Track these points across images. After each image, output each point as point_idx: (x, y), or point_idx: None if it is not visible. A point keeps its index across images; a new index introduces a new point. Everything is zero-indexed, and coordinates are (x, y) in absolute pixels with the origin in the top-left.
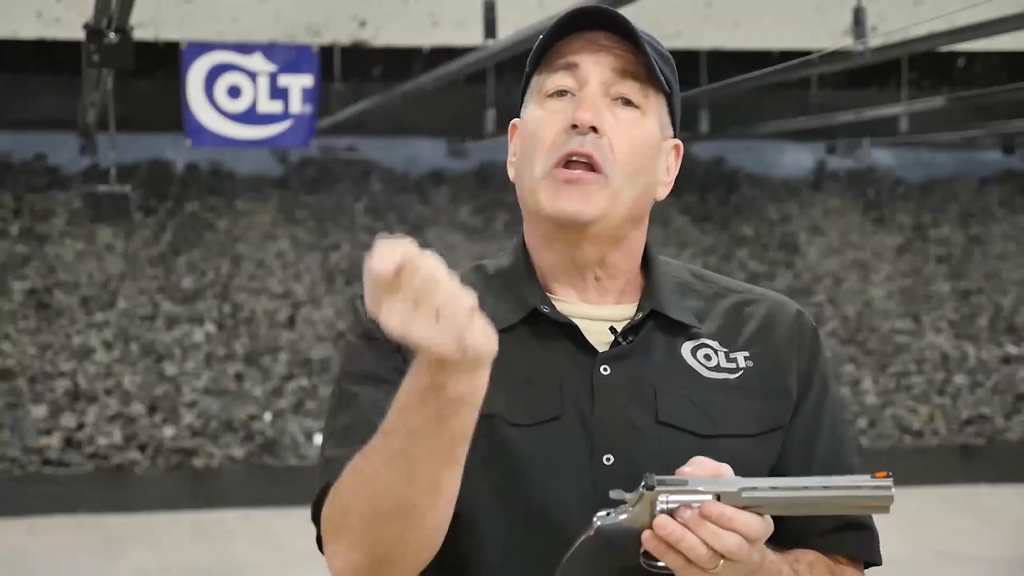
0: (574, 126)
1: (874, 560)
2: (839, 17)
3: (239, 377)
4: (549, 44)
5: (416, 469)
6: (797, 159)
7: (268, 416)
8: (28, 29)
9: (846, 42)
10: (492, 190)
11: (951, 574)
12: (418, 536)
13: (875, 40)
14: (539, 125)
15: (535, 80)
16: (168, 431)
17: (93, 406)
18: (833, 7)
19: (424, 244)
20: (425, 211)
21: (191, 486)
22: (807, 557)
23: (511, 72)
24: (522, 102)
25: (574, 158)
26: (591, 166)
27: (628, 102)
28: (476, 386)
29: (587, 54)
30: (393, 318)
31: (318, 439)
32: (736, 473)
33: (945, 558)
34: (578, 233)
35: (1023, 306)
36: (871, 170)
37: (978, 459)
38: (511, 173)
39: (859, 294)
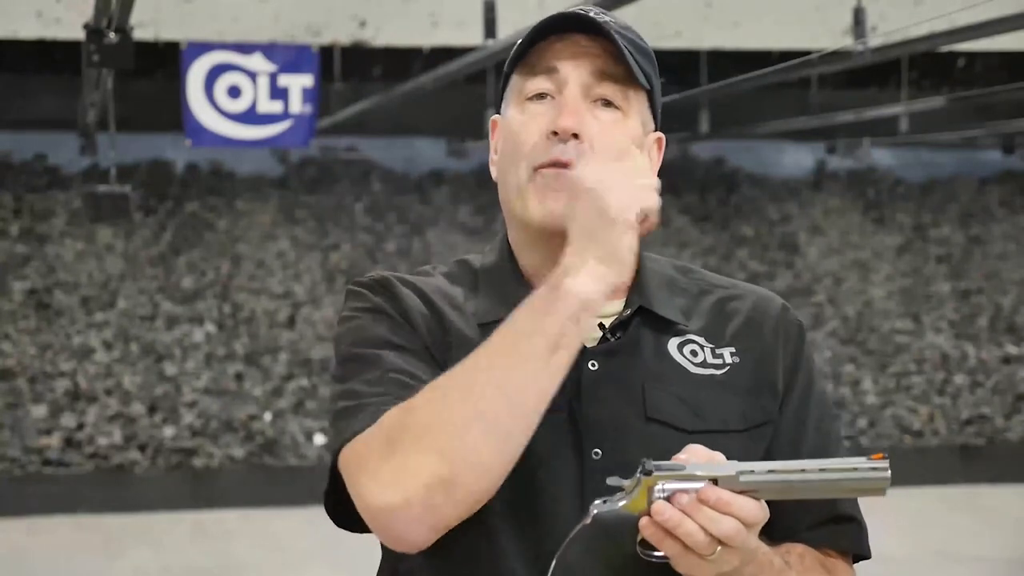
0: (555, 133)
1: (863, 553)
2: (839, 17)
3: (239, 377)
4: (528, 48)
5: (514, 380)
6: (797, 159)
7: (268, 416)
8: (28, 29)
9: (846, 42)
10: (492, 190)
11: (951, 574)
12: (492, 454)
13: (875, 40)
14: (520, 129)
15: (515, 80)
16: (168, 431)
17: (93, 406)
18: (833, 7)
19: (424, 244)
20: (425, 211)
21: (191, 486)
22: (796, 549)
23: None
24: (502, 97)
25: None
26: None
27: (609, 103)
28: (594, 296)
29: (566, 57)
30: (593, 165)
31: (318, 439)
32: None
33: (945, 558)
34: (564, 237)
35: (1023, 306)
36: (871, 170)
37: (978, 459)
38: (493, 172)
39: (859, 294)
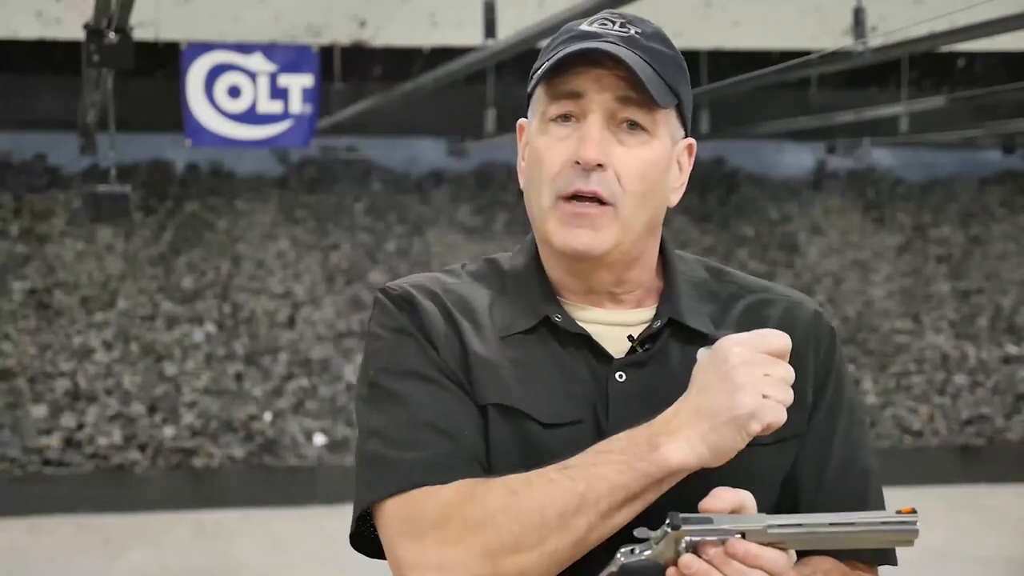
0: (578, 162)
1: (890, 563)
2: (839, 17)
3: (239, 377)
4: (553, 72)
5: (580, 523)
6: (797, 159)
7: (268, 416)
8: (28, 29)
9: (846, 42)
10: (492, 190)
11: (951, 574)
12: (540, 573)
13: (875, 40)
14: (544, 152)
15: (539, 94)
16: (168, 431)
17: (93, 406)
18: (833, 7)
19: (424, 244)
20: (425, 211)
21: (191, 486)
22: (823, 565)
23: (511, 72)
24: (528, 101)
25: (581, 195)
26: (599, 199)
27: (635, 124)
28: (684, 468)
29: (590, 81)
30: (748, 354)
31: (318, 439)
32: (751, 483)
33: (945, 558)
34: (591, 263)
35: (1023, 306)
36: (871, 170)
37: (978, 459)
38: (521, 181)
39: (859, 294)
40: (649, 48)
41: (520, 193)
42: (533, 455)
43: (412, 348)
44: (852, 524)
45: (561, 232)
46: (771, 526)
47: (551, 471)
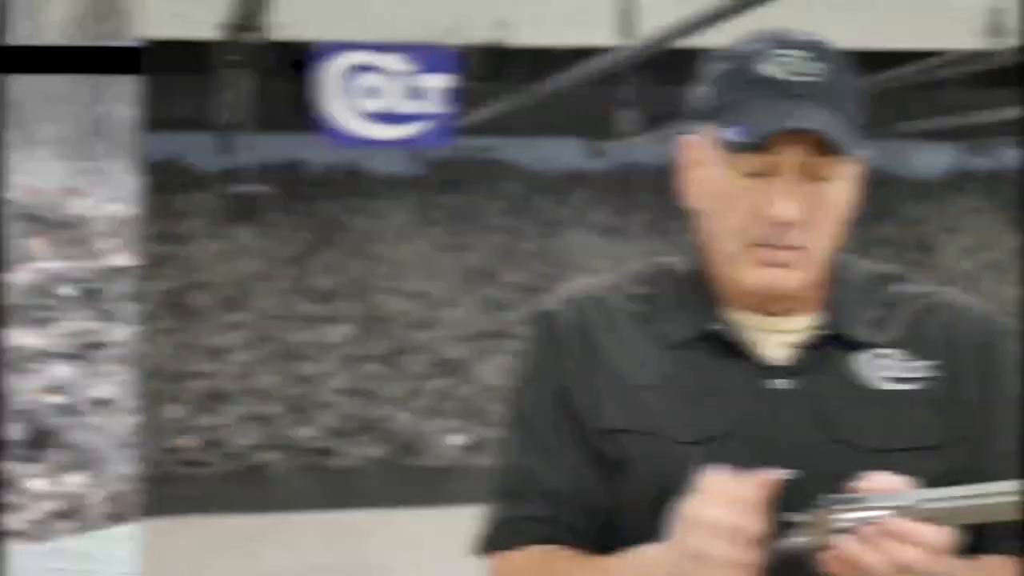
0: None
1: None
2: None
3: (376, 377)
4: (745, 145)
5: None
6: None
7: (404, 416)
8: (165, 29)
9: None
10: (630, 191)
11: None
12: None
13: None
14: (729, 197)
15: (719, 129)
16: (304, 431)
17: (230, 406)
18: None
19: (561, 245)
20: (562, 212)
21: (325, 486)
22: (991, 563)
23: (649, 73)
24: (698, 118)
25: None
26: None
27: (827, 173)
28: None
29: (781, 136)
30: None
31: (455, 439)
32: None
33: None
34: (775, 297)
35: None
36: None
37: None
38: (688, 199)
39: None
40: (838, 90)
41: (657, 194)
42: (671, 476)
43: (536, 386)
44: (1006, 494)
45: (754, 274)
46: (924, 500)
47: (603, 566)
